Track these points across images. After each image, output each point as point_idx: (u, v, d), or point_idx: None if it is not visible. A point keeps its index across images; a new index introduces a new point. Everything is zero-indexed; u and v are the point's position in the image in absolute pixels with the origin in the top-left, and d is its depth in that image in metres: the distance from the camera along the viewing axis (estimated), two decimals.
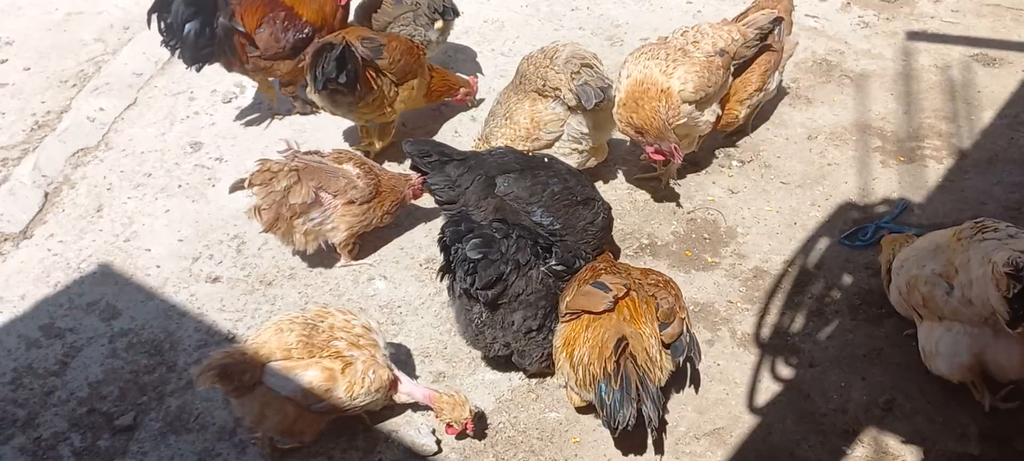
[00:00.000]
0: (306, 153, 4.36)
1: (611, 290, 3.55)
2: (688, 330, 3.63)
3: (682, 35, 4.66)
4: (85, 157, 5.14)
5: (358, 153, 4.63)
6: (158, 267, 4.48)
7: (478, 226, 3.77)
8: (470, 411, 3.60)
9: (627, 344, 3.41)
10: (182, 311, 4.25)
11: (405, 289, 4.37)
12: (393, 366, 3.65)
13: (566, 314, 3.62)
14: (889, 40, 5.91)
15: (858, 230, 4.56)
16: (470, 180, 4.18)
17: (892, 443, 3.65)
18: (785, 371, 3.94)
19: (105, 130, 5.34)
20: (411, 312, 4.26)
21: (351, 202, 4.30)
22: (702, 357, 3.78)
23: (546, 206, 4.09)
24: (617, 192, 4.88)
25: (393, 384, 3.63)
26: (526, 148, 4.49)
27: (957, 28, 5.96)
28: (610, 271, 3.74)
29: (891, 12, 6.13)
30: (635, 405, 3.33)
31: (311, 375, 3.45)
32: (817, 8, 6.23)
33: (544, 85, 4.48)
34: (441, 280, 3.88)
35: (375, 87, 4.74)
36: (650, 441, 3.63)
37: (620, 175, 4.97)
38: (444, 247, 3.75)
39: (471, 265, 3.62)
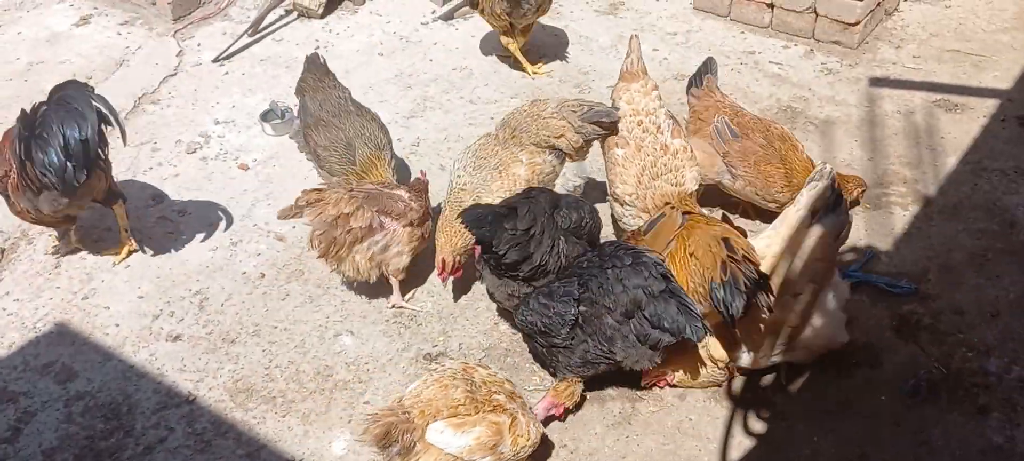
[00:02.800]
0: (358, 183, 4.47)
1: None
2: None
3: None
4: None
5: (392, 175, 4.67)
6: (117, 326, 4.37)
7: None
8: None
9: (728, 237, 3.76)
10: (141, 372, 4.14)
11: (373, 345, 4.29)
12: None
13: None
14: (852, 86, 5.97)
15: None
16: (540, 227, 3.95)
17: None
18: (757, 425, 3.91)
19: None
20: (378, 369, 4.18)
21: (411, 224, 4.28)
22: None
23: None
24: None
25: None
26: None
27: (919, 74, 6.04)
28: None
29: (854, 58, 6.20)
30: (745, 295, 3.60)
31: (479, 431, 3.41)
32: (781, 55, 6.29)
33: (548, 136, 4.47)
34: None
35: None
36: None
37: None
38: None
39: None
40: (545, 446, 3.76)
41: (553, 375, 3.97)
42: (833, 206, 3.79)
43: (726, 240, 3.77)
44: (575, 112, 4.47)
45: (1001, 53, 6.15)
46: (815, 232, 3.78)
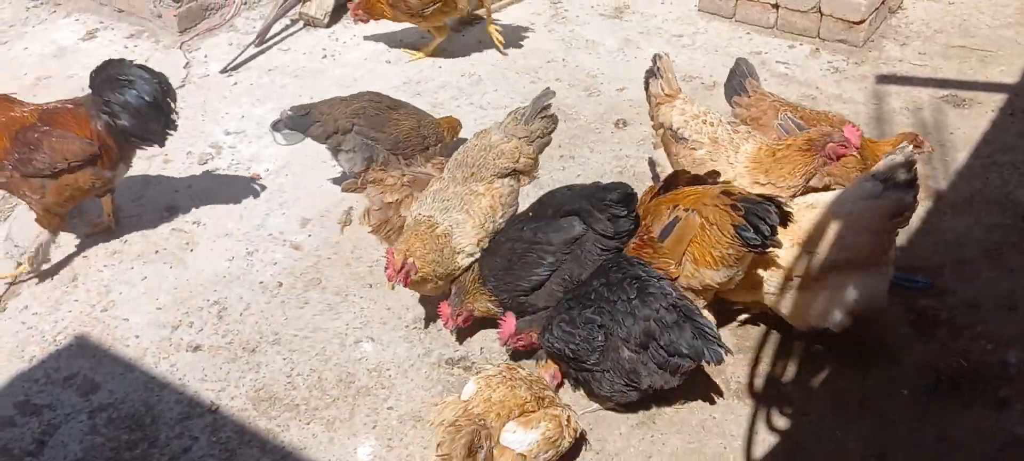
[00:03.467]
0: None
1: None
2: None
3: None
4: None
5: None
6: (137, 337, 4.37)
7: None
8: None
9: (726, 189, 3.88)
10: (163, 382, 4.14)
11: (394, 350, 4.30)
12: None
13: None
14: (859, 84, 6.01)
15: None
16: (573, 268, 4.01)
17: None
18: (780, 421, 3.92)
19: None
20: (400, 374, 4.19)
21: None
22: None
23: None
24: None
25: None
26: (487, 231, 4.27)
27: (925, 71, 6.07)
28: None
29: (860, 57, 6.24)
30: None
31: (544, 427, 3.49)
32: (787, 55, 6.32)
33: (507, 164, 4.35)
34: None
35: None
36: None
37: None
38: None
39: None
40: (571, 447, 3.77)
41: (592, 396, 3.98)
42: (901, 184, 3.83)
43: (725, 192, 3.86)
44: (519, 123, 4.41)
45: (1006, 48, 6.19)
46: (872, 203, 3.83)
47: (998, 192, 5.03)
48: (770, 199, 3.80)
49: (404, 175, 4.53)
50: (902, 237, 4.79)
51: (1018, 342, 4.18)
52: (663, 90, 4.54)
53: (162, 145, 4.78)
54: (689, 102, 4.54)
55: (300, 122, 5.02)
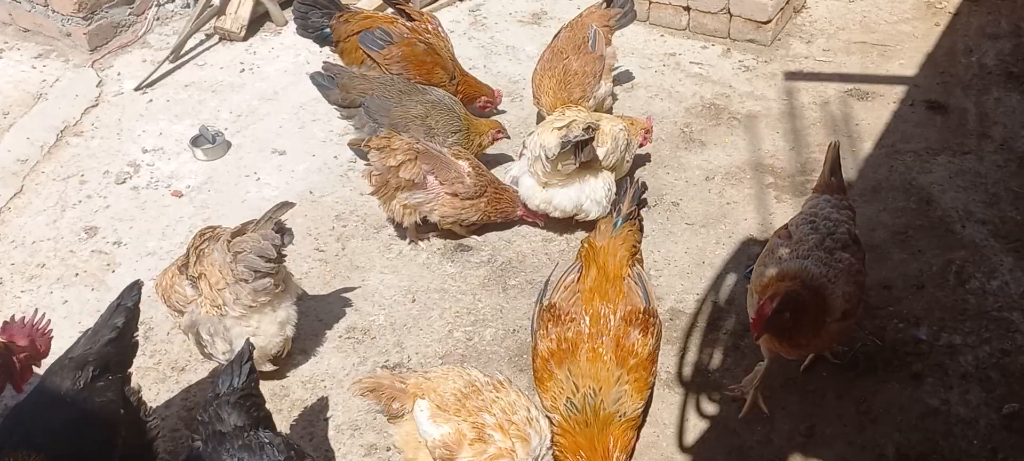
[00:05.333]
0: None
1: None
2: None
3: None
4: None
5: (472, 155, 4.99)
6: None
7: None
8: None
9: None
10: None
11: (328, 362, 4.28)
12: None
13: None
14: (770, 81, 6.23)
15: None
16: None
17: None
18: (710, 408, 4.05)
19: None
20: (336, 385, 4.17)
21: (455, 195, 4.71)
22: None
23: None
24: (532, 244, 4.95)
25: None
26: None
27: (830, 66, 6.34)
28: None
29: (768, 55, 6.47)
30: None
31: (447, 430, 3.40)
32: (700, 55, 6.51)
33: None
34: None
35: None
36: None
37: (526, 226, 5.05)
38: None
39: None
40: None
41: None
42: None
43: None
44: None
45: (904, 42, 6.50)
46: None
47: (901, 179, 5.28)
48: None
49: (417, 143, 4.72)
50: None
51: (927, 319, 4.41)
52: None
53: None
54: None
55: (325, 82, 5.17)
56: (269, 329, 3.95)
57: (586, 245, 4.01)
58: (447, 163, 4.75)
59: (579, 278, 3.87)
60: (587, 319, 3.68)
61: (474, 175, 4.78)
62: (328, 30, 5.62)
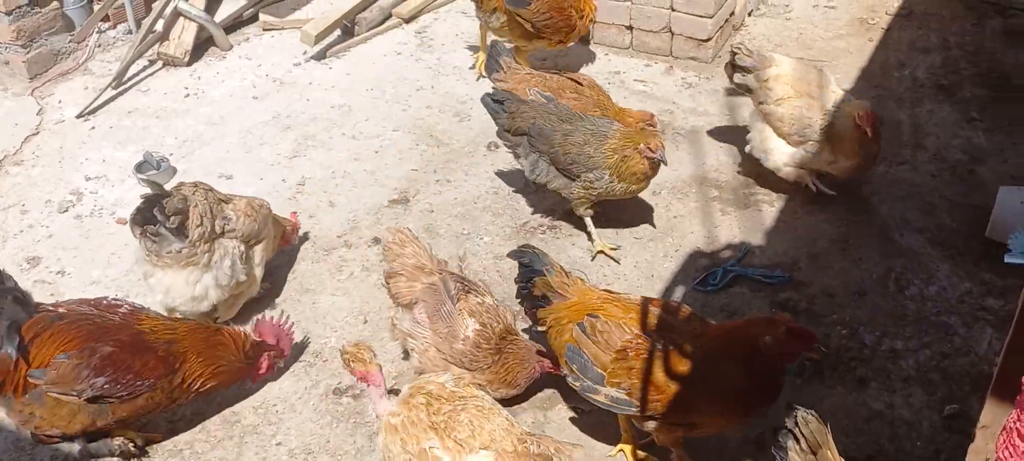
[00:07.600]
0: (453, 275, 4.14)
1: None
2: None
3: None
4: None
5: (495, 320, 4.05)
6: None
7: None
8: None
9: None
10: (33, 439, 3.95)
11: (279, 386, 4.25)
12: None
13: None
14: (712, 98, 6.37)
15: (708, 275, 4.84)
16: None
17: None
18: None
19: None
20: (288, 409, 4.14)
21: (439, 351, 3.97)
22: None
23: None
24: (482, 262, 4.97)
25: None
26: None
27: None
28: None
29: (710, 72, 6.61)
30: None
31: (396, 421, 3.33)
32: (644, 73, 6.63)
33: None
34: None
35: None
36: None
37: (484, 246, 5.07)
38: None
39: None
40: None
41: None
42: None
43: None
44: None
45: (839, 57, 6.70)
46: None
47: (842, 188, 5.43)
48: None
49: (437, 273, 4.10)
50: (760, 236, 5.13)
51: (869, 325, 4.53)
52: None
53: None
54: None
55: (494, 106, 5.13)
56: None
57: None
58: (446, 312, 3.98)
59: None
60: None
61: (475, 344, 3.95)
62: None
